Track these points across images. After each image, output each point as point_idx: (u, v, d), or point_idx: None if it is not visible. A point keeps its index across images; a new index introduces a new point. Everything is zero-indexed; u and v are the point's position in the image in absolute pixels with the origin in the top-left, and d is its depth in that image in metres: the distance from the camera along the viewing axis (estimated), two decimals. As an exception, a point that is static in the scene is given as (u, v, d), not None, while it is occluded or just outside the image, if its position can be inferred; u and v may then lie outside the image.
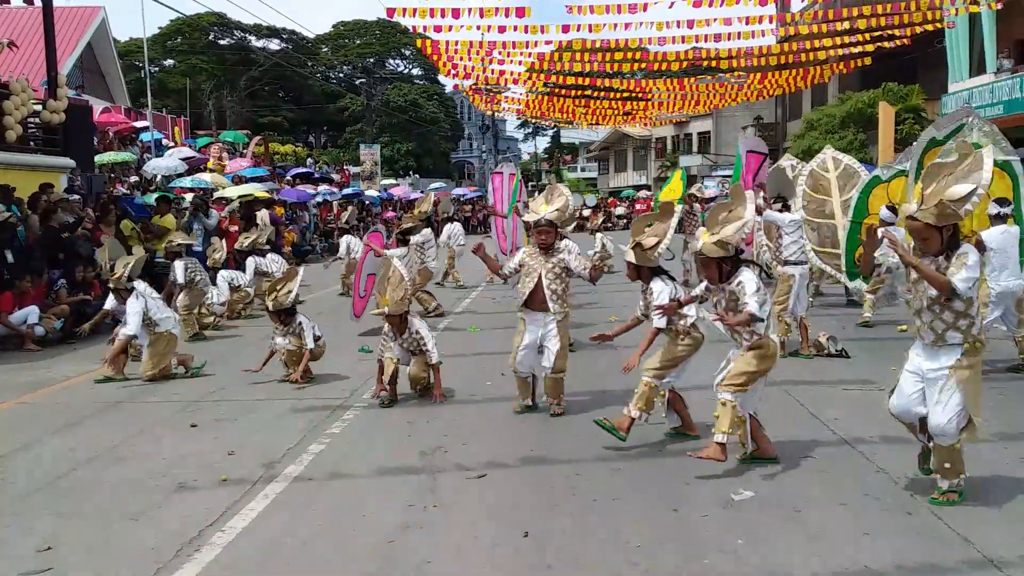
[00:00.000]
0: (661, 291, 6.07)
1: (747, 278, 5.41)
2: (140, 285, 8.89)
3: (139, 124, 28.50)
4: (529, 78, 20.59)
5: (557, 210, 7.01)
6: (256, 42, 64.22)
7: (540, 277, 6.86)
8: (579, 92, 20.78)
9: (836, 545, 4.34)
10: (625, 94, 21.84)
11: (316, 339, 8.52)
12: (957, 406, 4.62)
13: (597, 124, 30.99)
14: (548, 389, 7.03)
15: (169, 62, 61.76)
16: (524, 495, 5.23)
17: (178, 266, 11.30)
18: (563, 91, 20.61)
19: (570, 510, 4.93)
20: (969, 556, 4.16)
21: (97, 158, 20.36)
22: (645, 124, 36.00)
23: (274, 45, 65.77)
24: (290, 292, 8.48)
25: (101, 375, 8.97)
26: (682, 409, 6.27)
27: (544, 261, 6.90)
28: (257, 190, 22.23)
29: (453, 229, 17.90)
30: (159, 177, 22.12)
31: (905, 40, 16.12)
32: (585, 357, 8.92)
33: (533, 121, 61.32)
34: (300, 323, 8.52)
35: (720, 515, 4.79)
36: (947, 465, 4.73)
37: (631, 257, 6.24)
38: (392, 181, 50.33)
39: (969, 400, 4.65)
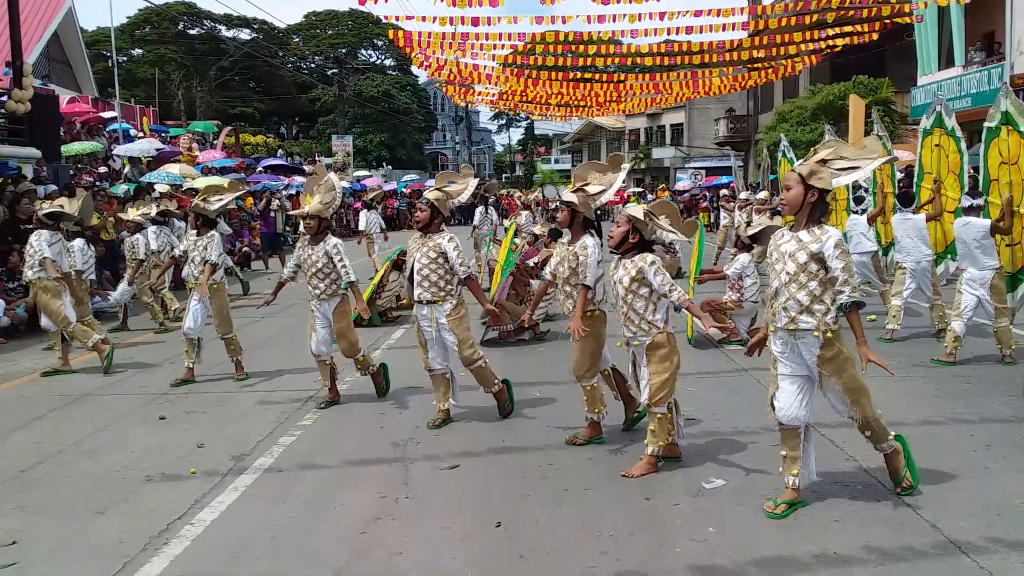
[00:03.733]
0: (593, 248, 5.77)
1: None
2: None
3: (107, 114, 28.11)
4: (503, 71, 20.54)
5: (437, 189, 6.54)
6: (226, 32, 63.58)
7: (414, 262, 6.41)
8: (552, 79, 20.71)
9: (806, 532, 4.37)
10: (599, 87, 21.85)
11: (228, 255, 8.15)
12: (842, 393, 4.56)
13: (570, 115, 30.96)
14: (477, 382, 6.69)
15: (137, 52, 60.96)
16: (496, 485, 5.22)
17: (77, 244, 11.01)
18: (537, 76, 20.50)
19: (542, 500, 4.93)
20: (937, 541, 4.21)
21: (64, 148, 20.06)
22: (621, 112, 36.00)
23: (244, 35, 65.12)
24: (221, 200, 8.11)
25: (50, 367, 8.94)
26: (623, 387, 6.12)
27: (420, 244, 6.42)
28: (226, 181, 22.01)
29: (370, 217, 18.60)
30: (127, 168, 21.84)
31: (873, 35, 16.27)
32: (554, 347, 8.93)
33: (507, 112, 61.32)
34: (212, 235, 8.17)
35: (692, 504, 4.81)
36: (867, 433, 4.69)
37: (574, 199, 5.81)
38: (365, 172, 50.10)
39: (848, 383, 4.55)
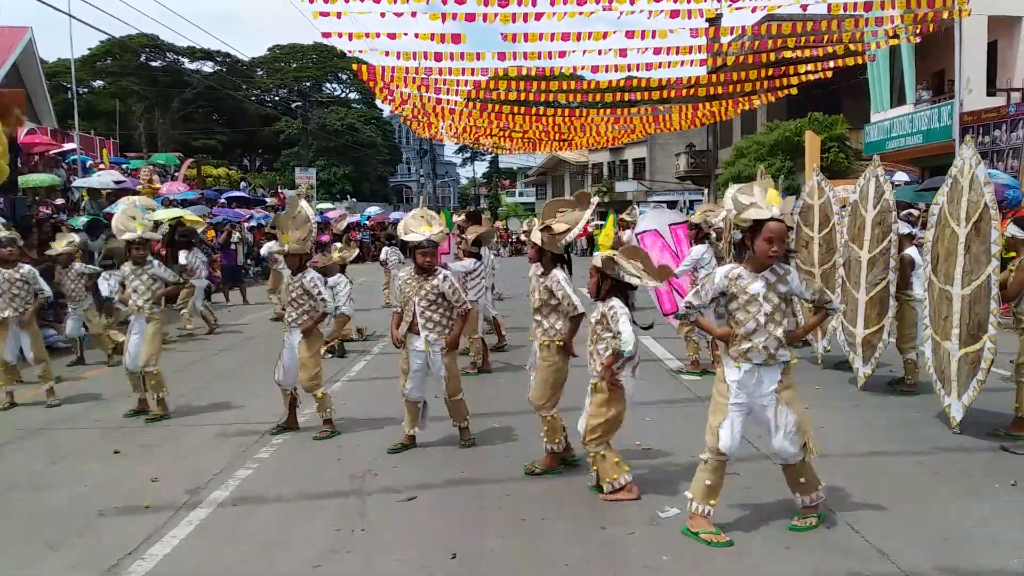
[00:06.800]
0: (564, 280, 5.82)
1: (619, 307, 5.26)
2: None
3: (66, 146, 27.83)
4: (467, 106, 20.70)
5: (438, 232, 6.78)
6: (189, 64, 63.37)
7: (414, 304, 6.60)
8: (515, 113, 20.83)
9: (758, 560, 4.43)
10: (561, 121, 22.06)
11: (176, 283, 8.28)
12: (793, 426, 4.65)
13: (533, 149, 31.22)
14: (449, 413, 6.84)
15: (99, 83, 60.54)
16: (453, 517, 5.23)
17: (101, 283, 11.13)
18: (499, 112, 20.63)
19: (499, 531, 4.94)
20: (885, 569, 4.28)
21: (21, 180, 19.82)
22: (582, 146, 36.38)
23: (208, 68, 64.92)
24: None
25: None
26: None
27: (417, 286, 6.63)
28: (186, 213, 21.88)
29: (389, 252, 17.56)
30: (85, 200, 21.64)
31: (828, 73, 16.69)
32: (512, 378, 8.95)
33: (471, 146, 61.58)
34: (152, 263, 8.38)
35: (646, 532, 4.85)
36: (802, 480, 4.79)
37: (537, 239, 5.91)
38: (328, 205, 49.97)
39: (800, 418, 4.67)
